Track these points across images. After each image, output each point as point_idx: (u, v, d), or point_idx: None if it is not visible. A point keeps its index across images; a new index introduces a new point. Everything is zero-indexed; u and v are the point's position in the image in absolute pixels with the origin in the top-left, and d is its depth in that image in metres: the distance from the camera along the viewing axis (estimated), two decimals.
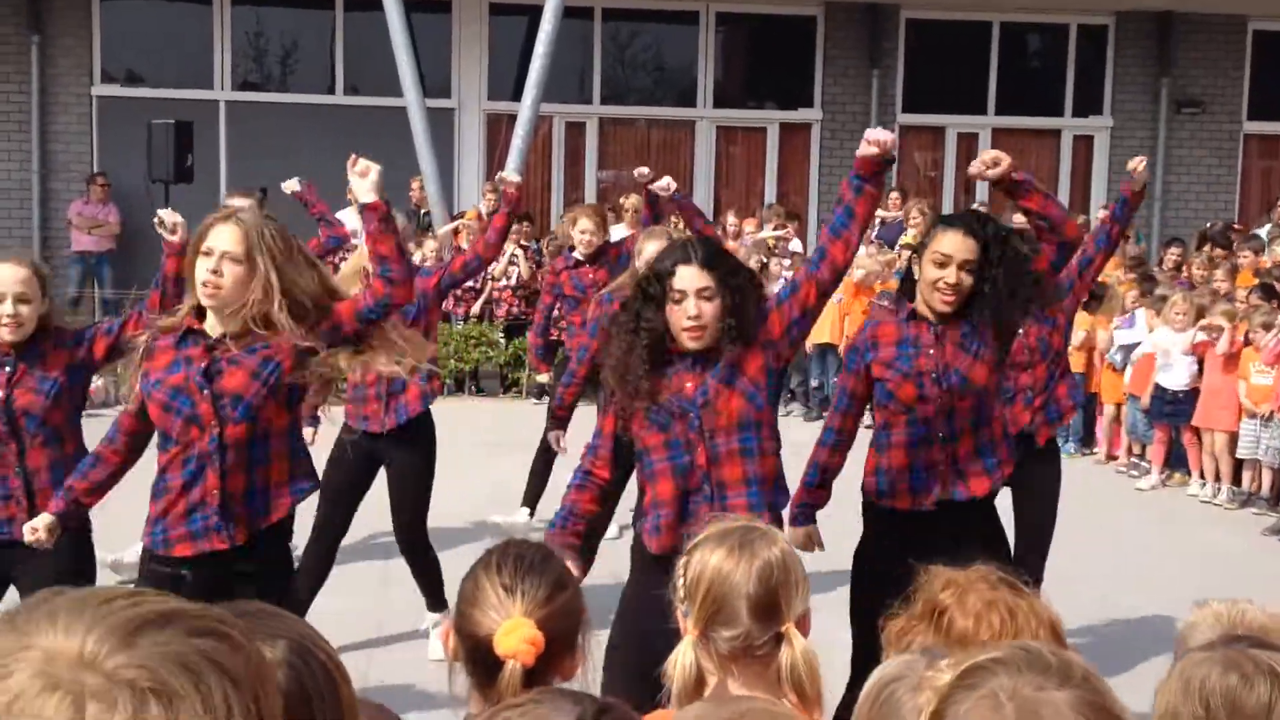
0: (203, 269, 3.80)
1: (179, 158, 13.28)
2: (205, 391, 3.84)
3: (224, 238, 3.81)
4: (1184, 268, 12.15)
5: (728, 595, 2.34)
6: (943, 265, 4.09)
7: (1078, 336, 10.56)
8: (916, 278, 4.22)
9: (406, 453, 5.90)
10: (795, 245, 14.14)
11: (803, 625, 2.39)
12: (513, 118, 14.61)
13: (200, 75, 16.06)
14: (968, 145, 17.19)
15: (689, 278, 3.71)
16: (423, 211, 14.58)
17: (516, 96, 14.66)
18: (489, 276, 13.12)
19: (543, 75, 13.92)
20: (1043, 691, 1.36)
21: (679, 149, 17.03)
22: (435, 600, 6.00)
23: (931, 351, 4.17)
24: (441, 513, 6.83)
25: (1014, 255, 4.12)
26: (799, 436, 11.69)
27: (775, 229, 14.29)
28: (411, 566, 6.10)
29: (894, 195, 14.71)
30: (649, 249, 5.66)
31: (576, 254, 8.06)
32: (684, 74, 17.06)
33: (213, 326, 3.91)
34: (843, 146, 16.87)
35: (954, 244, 4.09)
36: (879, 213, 14.22)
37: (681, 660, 2.34)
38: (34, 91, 15.62)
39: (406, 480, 5.95)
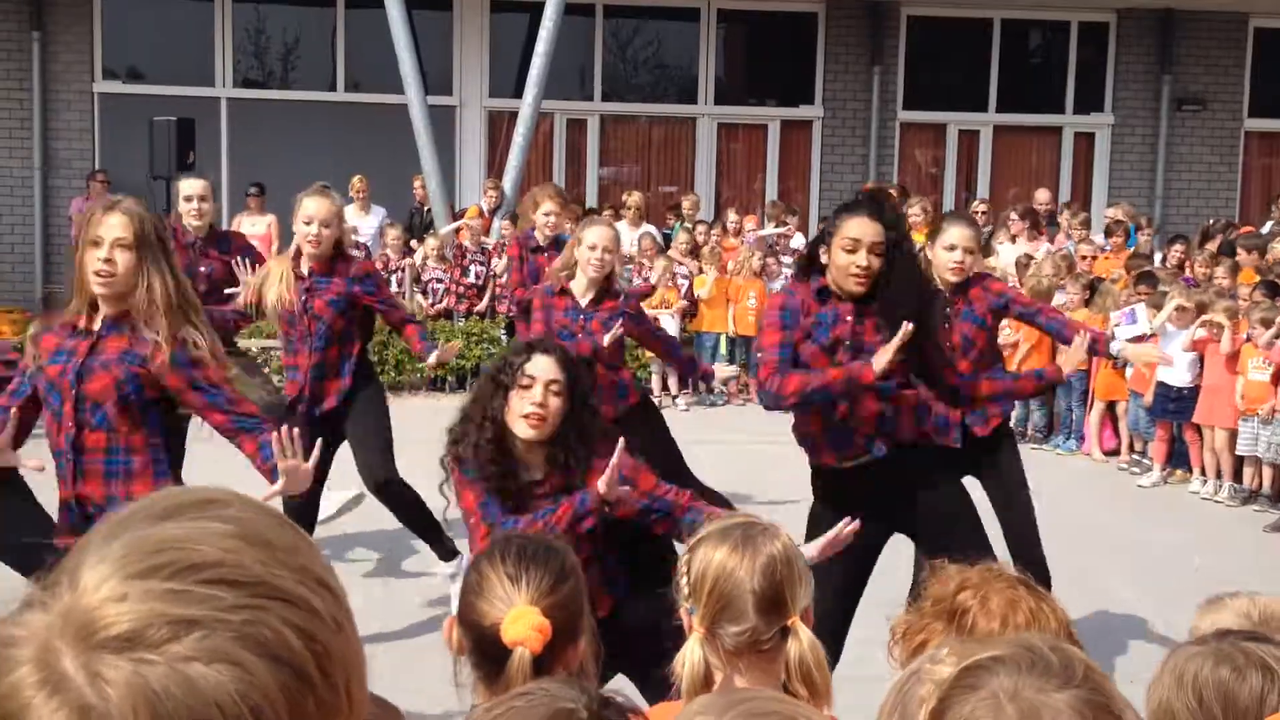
0: (94, 259, 3.84)
1: (180, 155, 13.28)
2: (73, 391, 3.90)
3: (113, 226, 3.85)
4: (1186, 265, 12.14)
5: (733, 591, 2.35)
6: (853, 250, 4.32)
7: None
8: (825, 263, 4.44)
9: (359, 395, 6.00)
10: (796, 242, 14.14)
11: (806, 619, 2.41)
12: (514, 115, 14.61)
13: (202, 72, 16.06)
14: (969, 142, 17.20)
15: (543, 367, 3.69)
16: (425, 209, 14.59)
17: (518, 93, 14.66)
18: (492, 274, 13.12)
19: (544, 72, 13.93)
20: (1043, 694, 1.36)
21: (680, 146, 17.04)
22: (442, 548, 6.03)
23: (849, 320, 4.43)
24: (440, 507, 6.83)
25: (909, 252, 4.51)
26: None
27: (776, 226, 14.30)
28: (396, 511, 6.04)
29: (892, 192, 14.68)
30: (588, 236, 6.12)
31: (538, 236, 7.89)
32: (685, 71, 17.06)
33: (101, 318, 3.95)
34: (844, 144, 16.87)
35: (861, 228, 4.33)
36: None
37: (689, 658, 2.36)
38: (35, 88, 15.63)
39: (366, 414, 5.97)
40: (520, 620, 2.09)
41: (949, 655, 1.43)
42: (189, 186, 7.30)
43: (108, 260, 3.81)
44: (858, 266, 4.31)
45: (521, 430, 3.66)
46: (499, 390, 3.72)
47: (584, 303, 6.26)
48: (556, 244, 7.67)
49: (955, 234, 5.52)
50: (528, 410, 3.64)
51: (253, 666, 0.80)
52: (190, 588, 0.81)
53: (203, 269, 7.16)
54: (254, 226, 13.74)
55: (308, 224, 5.76)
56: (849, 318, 4.43)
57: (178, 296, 3.89)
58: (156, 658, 0.79)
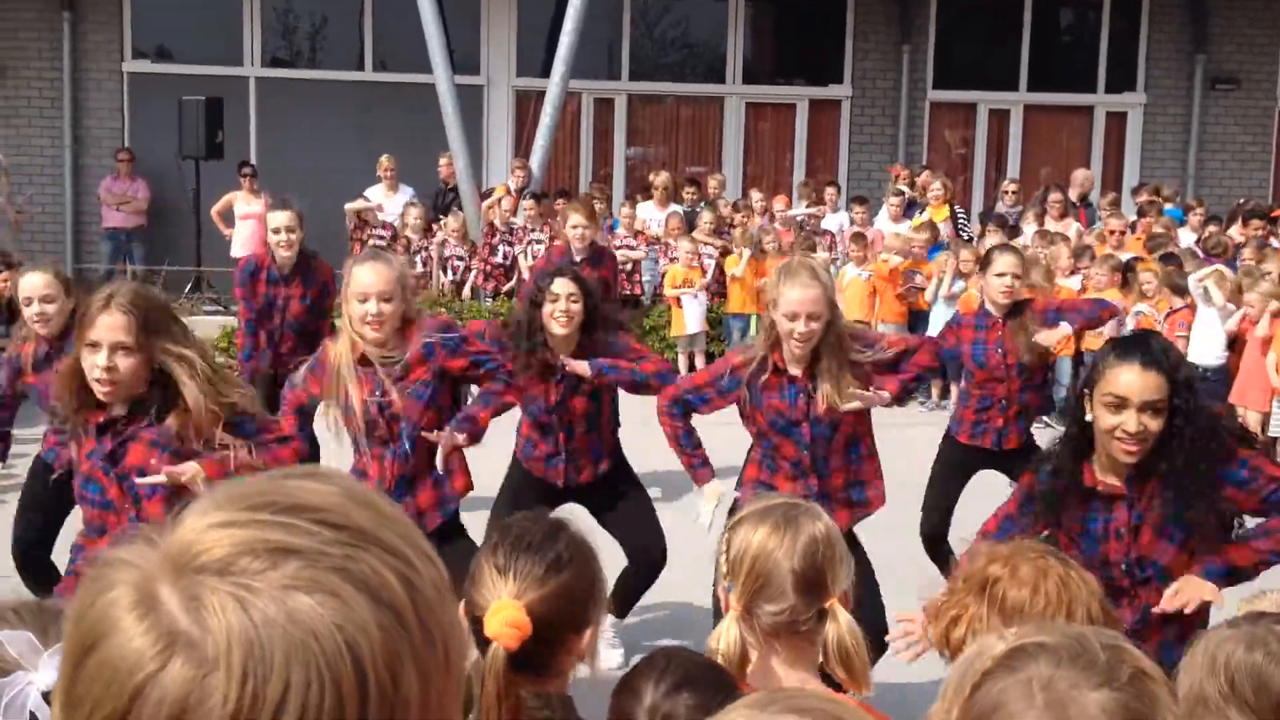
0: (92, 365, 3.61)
1: (209, 134, 13.36)
2: (110, 475, 3.72)
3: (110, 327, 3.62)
4: (1225, 248, 12.01)
5: (773, 571, 2.34)
6: (1119, 409, 3.44)
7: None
8: (1089, 419, 3.55)
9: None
10: (828, 222, 14.08)
11: (845, 601, 2.40)
12: (541, 94, 14.59)
13: (230, 52, 16.10)
14: (999, 122, 17.07)
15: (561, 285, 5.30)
16: (450, 188, 14.58)
17: (545, 73, 14.63)
18: (517, 255, 13.13)
19: (571, 52, 13.89)
20: (1076, 689, 1.34)
21: (708, 125, 16.98)
22: None
23: (1123, 534, 3.58)
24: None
25: (1198, 404, 3.52)
26: None
27: (808, 207, 14.24)
28: None
29: (922, 176, 14.59)
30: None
31: (573, 253, 7.90)
32: (713, 50, 16.99)
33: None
34: (873, 123, 16.78)
35: (1130, 382, 3.43)
36: (907, 193, 14.11)
37: (725, 636, 2.35)
38: (66, 69, 15.70)
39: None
40: (496, 615, 2.04)
41: (1012, 635, 1.42)
42: (276, 219, 7.38)
43: (109, 368, 3.58)
44: (1125, 431, 3.43)
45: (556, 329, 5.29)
46: (535, 307, 5.31)
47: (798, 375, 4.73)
48: (593, 258, 7.70)
49: (1004, 262, 6.28)
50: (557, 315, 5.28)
51: (351, 600, 0.79)
52: (293, 521, 0.81)
53: (280, 300, 7.34)
54: (248, 206, 13.74)
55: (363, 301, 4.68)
56: (1123, 532, 3.59)
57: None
58: (258, 584, 0.78)
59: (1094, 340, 10.90)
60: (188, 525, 0.82)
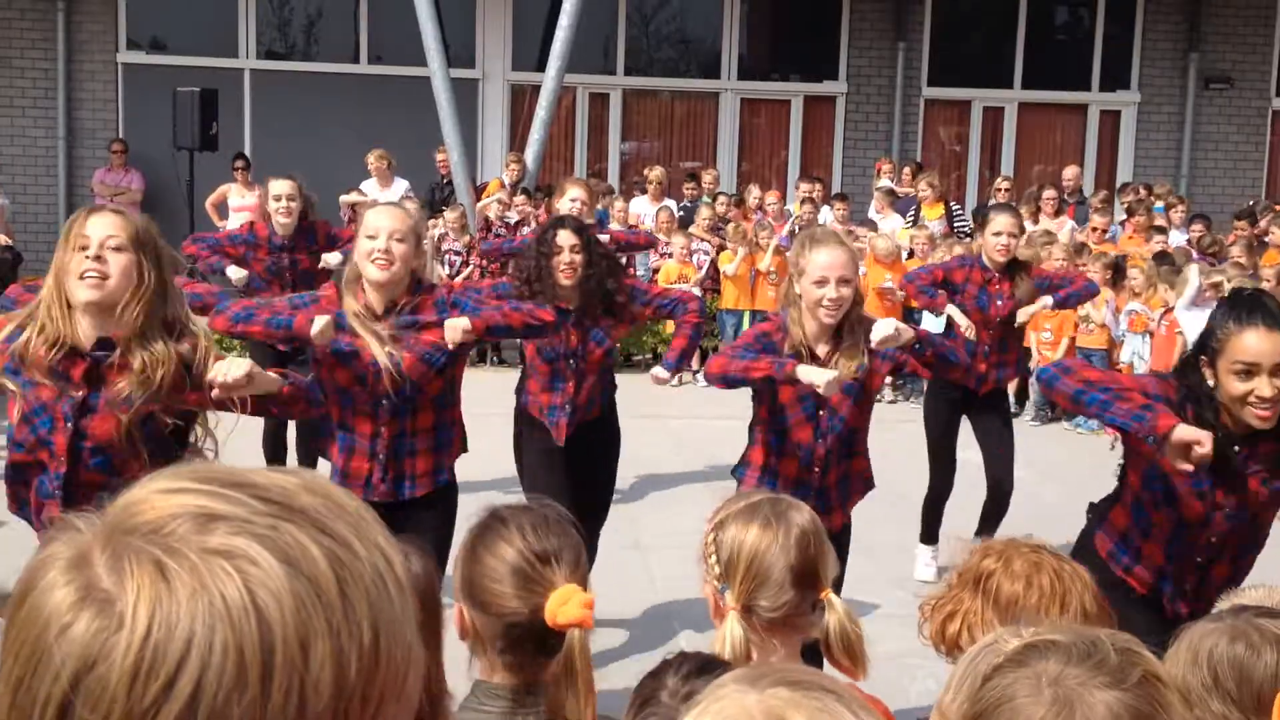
0: (80, 261, 3.45)
1: (204, 126, 13.32)
2: (68, 424, 3.47)
3: (102, 225, 3.52)
4: (1221, 247, 12.05)
5: (770, 568, 2.36)
6: (1249, 375, 3.37)
7: (1101, 313, 10.52)
8: (1212, 386, 3.48)
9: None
10: (823, 217, 14.08)
11: (835, 590, 2.44)
12: (536, 88, 14.58)
13: (225, 43, 16.07)
14: (993, 119, 17.09)
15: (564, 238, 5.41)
16: (447, 181, 14.58)
17: (541, 67, 14.63)
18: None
19: (567, 46, 13.89)
20: (1085, 688, 1.35)
21: (702, 121, 16.98)
22: None
23: (1235, 479, 3.57)
24: (471, 484, 6.83)
25: None
26: None
27: (801, 203, 14.24)
28: None
29: (906, 171, 14.61)
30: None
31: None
32: (708, 45, 16.99)
33: (87, 334, 3.51)
34: (867, 120, 16.79)
35: (1260, 347, 3.36)
36: (894, 187, 14.12)
37: (730, 635, 2.34)
38: (60, 59, 15.66)
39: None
40: (571, 601, 2.02)
41: (1028, 632, 1.43)
42: (278, 186, 7.39)
43: (99, 258, 3.42)
44: (1258, 396, 3.38)
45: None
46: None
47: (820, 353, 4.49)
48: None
49: (1000, 221, 6.59)
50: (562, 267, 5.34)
51: (268, 566, 0.79)
52: (232, 493, 0.83)
53: (288, 264, 7.32)
54: (242, 198, 13.74)
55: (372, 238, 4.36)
56: (1235, 477, 3.58)
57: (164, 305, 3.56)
58: (180, 547, 0.79)
59: (1086, 339, 10.95)
60: (137, 490, 0.84)
